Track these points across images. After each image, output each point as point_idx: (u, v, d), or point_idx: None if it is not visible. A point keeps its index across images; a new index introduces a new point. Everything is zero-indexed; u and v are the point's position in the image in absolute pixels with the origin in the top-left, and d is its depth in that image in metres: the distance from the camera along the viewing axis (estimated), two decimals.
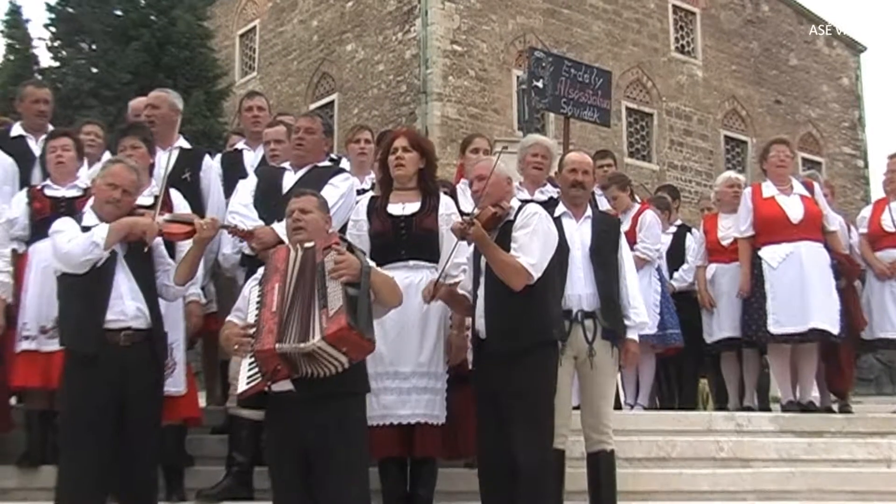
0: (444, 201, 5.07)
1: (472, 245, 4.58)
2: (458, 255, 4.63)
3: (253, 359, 3.87)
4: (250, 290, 4.19)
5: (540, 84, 9.33)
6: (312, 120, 5.62)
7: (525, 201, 5.02)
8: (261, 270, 4.24)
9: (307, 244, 4.08)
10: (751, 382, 7.56)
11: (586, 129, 20.63)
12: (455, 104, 22.81)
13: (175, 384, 5.01)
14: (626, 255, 5.19)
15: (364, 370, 4.14)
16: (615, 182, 7.73)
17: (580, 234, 5.14)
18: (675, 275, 8.04)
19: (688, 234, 8.33)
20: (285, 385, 3.92)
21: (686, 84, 27.61)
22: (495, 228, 4.57)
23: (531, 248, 4.45)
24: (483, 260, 4.56)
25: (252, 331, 3.93)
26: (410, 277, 4.74)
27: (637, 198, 8.15)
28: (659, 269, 7.70)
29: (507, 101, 23.43)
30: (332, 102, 25.49)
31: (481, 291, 4.54)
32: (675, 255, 8.17)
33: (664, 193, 8.94)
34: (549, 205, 5.23)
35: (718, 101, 28.00)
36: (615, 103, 22.56)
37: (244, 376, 3.88)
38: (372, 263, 4.16)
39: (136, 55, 19.34)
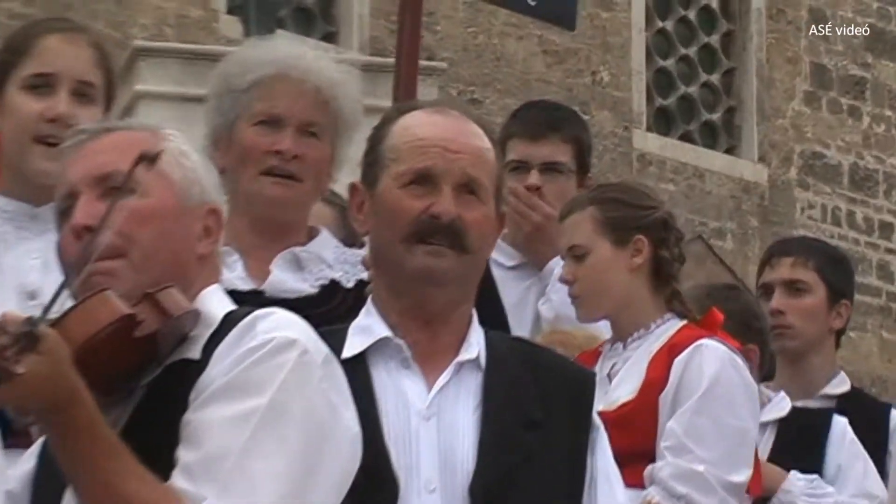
0: None
1: (41, 446, 3.32)
2: None
3: None
4: None
5: None
6: None
7: (247, 295, 3.94)
8: None
9: None
10: None
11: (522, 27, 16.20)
12: None
13: None
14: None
15: None
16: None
17: (441, 427, 3.75)
18: None
19: (834, 423, 6.00)
20: None
21: None
22: (123, 388, 3.15)
23: (248, 472, 3.24)
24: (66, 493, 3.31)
25: None
26: None
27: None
28: None
29: None
30: None
31: None
32: None
33: (784, 272, 6.20)
34: (332, 311, 4.06)
35: None
36: None
37: None
38: None
39: None
